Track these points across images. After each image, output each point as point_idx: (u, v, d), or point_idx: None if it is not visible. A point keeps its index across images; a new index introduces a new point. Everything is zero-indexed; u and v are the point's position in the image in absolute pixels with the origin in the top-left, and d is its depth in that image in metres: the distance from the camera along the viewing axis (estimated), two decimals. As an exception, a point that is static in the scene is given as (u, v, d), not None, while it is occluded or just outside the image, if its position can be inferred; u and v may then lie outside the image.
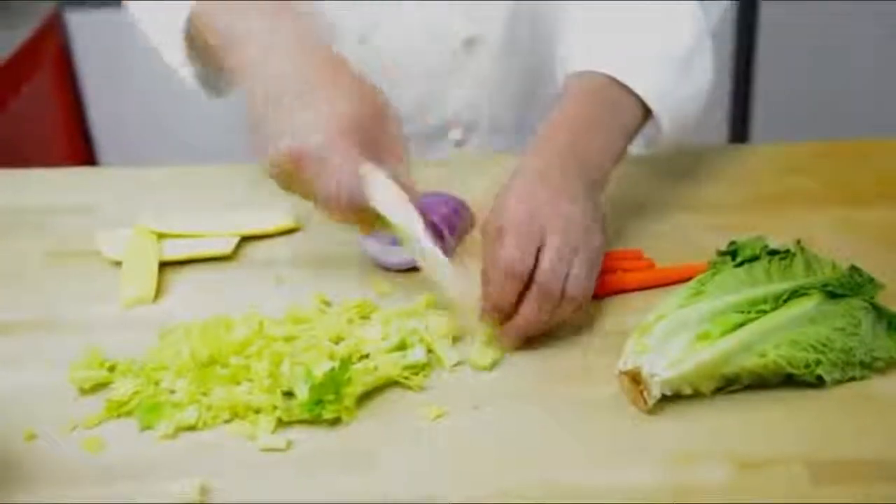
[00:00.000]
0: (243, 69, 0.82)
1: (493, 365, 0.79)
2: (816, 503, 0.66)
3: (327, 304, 0.86)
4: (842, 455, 0.69)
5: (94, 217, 1.02)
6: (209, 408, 0.74)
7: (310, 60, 0.81)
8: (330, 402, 0.73)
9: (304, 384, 0.73)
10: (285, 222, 0.98)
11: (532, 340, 0.80)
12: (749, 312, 0.75)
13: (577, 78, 0.90)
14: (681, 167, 1.07)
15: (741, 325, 0.74)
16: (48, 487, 0.69)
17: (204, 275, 0.93)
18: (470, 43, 1.11)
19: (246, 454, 0.71)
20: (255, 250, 0.96)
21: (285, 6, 0.84)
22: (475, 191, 0.97)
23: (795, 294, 0.77)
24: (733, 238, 0.84)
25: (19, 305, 0.89)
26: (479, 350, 0.80)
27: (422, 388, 0.77)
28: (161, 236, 0.96)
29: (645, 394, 0.72)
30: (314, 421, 0.73)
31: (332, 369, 0.73)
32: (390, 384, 0.77)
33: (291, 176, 0.78)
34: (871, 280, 0.80)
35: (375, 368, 0.77)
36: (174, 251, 0.94)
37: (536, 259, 0.78)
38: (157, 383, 0.77)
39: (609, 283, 0.87)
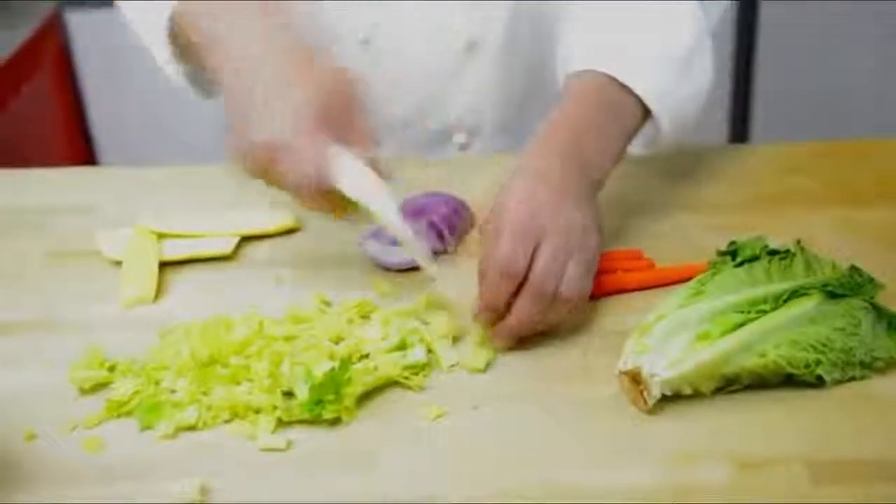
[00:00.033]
0: (223, 68, 0.83)
1: (487, 366, 0.79)
2: (816, 503, 0.66)
3: (327, 304, 0.86)
4: (842, 455, 0.69)
5: (95, 217, 1.02)
6: (209, 408, 0.74)
7: (283, 57, 0.81)
8: (330, 402, 0.73)
9: (304, 384, 0.73)
10: (285, 222, 0.98)
11: (525, 341, 0.80)
12: (749, 312, 0.75)
13: (577, 78, 0.90)
14: (681, 167, 1.07)
15: (741, 325, 0.74)
16: (48, 487, 0.69)
17: (204, 275, 0.93)
18: (471, 45, 1.11)
19: (246, 454, 0.71)
20: (255, 250, 0.96)
21: (265, 6, 0.85)
22: (475, 191, 0.97)
23: (795, 294, 0.77)
24: (733, 238, 0.84)
25: (19, 305, 0.89)
26: (472, 351, 0.79)
27: (422, 388, 0.77)
28: (161, 236, 0.96)
29: (645, 394, 0.72)
30: (314, 421, 0.73)
31: (332, 369, 0.73)
32: (390, 384, 0.77)
33: (264, 167, 0.79)
34: (871, 280, 0.80)
35: (375, 368, 0.77)
36: (174, 251, 0.94)
37: (532, 259, 0.78)
38: (157, 383, 0.77)
39: (609, 283, 0.87)
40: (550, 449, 0.71)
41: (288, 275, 0.92)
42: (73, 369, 0.78)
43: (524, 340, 0.80)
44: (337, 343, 0.80)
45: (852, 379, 0.75)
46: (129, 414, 0.75)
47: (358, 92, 0.82)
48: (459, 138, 1.18)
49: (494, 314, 0.79)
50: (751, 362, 0.73)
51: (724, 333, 0.73)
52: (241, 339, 0.79)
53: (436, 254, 0.93)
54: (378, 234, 0.93)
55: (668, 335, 0.74)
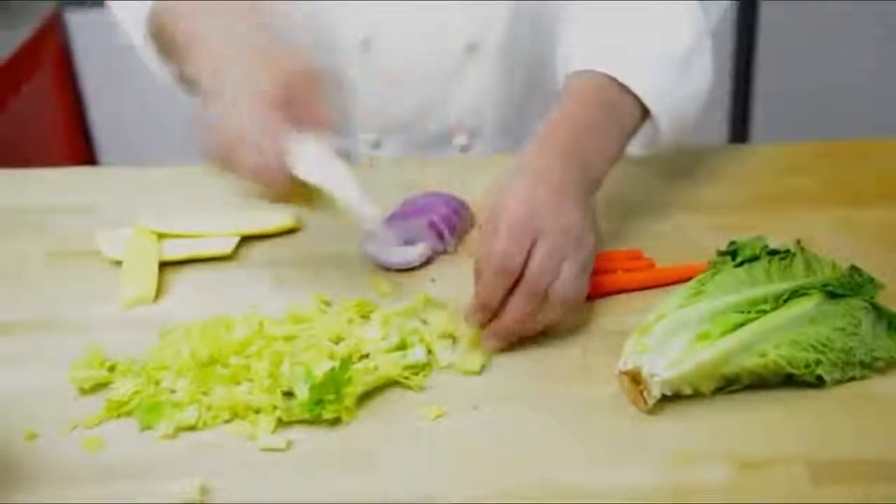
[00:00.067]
0: (200, 68, 0.83)
1: (482, 369, 0.79)
2: (816, 503, 0.66)
3: (327, 304, 0.86)
4: (842, 455, 0.69)
5: (95, 217, 1.02)
6: (209, 408, 0.74)
7: (253, 57, 0.81)
8: (330, 401, 0.73)
9: (304, 384, 0.73)
10: (285, 222, 0.98)
11: (519, 344, 0.80)
12: (749, 312, 0.75)
13: (576, 78, 0.90)
14: (681, 167, 1.07)
15: (741, 325, 0.74)
16: (48, 487, 0.69)
17: (204, 275, 0.93)
18: (472, 46, 1.11)
19: (246, 454, 0.71)
20: (255, 250, 0.96)
21: (244, 6, 0.85)
22: (475, 191, 0.97)
23: (795, 294, 0.77)
24: (733, 238, 0.84)
25: (19, 305, 0.89)
26: (465, 353, 0.79)
27: (422, 388, 0.77)
28: (161, 236, 0.96)
29: (645, 394, 0.72)
30: (314, 421, 0.73)
31: (333, 369, 0.73)
32: (390, 384, 0.77)
33: (229, 160, 0.79)
34: (871, 280, 0.80)
35: (375, 368, 0.77)
36: (174, 251, 0.94)
37: (528, 257, 0.78)
38: (157, 383, 0.77)
39: (609, 283, 0.87)
40: (550, 449, 0.71)
41: (288, 275, 0.92)
42: (74, 369, 0.78)
43: (517, 343, 0.80)
44: (337, 343, 0.80)
45: (852, 379, 0.75)
46: (129, 414, 0.75)
47: (320, 79, 0.82)
48: (460, 140, 1.18)
49: (488, 313, 0.79)
50: (751, 362, 0.73)
51: (724, 333, 0.73)
52: (241, 339, 0.79)
53: (436, 254, 0.93)
54: (378, 234, 0.93)
55: (668, 335, 0.74)
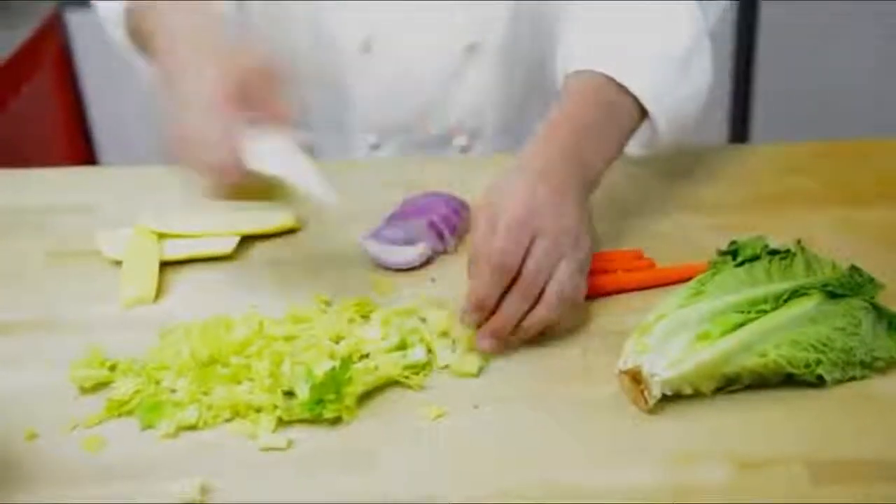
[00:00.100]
0: (161, 65, 0.83)
1: (480, 371, 0.78)
2: (816, 503, 0.66)
3: (327, 303, 0.86)
4: (842, 455, 0.69)
5: (95, 217, 1.02)
6: (210, 407, 0.74)
7: (208, 54, 0.81)
8: (330, 401, 0.73)
9: (304, 384, 0.73)
10: (285, 222, 0.98)
11: (513, 346, 0.80)
12: (749, 312, 0.75)
13: (575, 77, 0.90)
14: (681, 167, 1.07)
15: (741, 324, 0.74)
16: (48, 487, 0.69)
17: (204, 275, 0.93)
18: (472, 47, 1.11)
19: (246, 454, 0.71)
20: (255, 250, 0.96)
21: (201, 5, 0.86)
22: (475, 191, 0.97)
23: (796, 294, 0.77)
24: (733, 238, 0.84)
25: (20, 305, 0.89)
26: (462, 356, 0.79)
27: (422, 388, 0.77)
28: (161, 236, 0.96)
29: (645, 393, 0.72)
30: (315, 420, 0.73)
31: (333, 369, 0.73)
32: (390, 384, 0.77)
33: (184, 158, 0.78)
34: (872, 280, 0.80)
35: (376, 368, 0.77)
36: (174, 251, 0.94)
37: (526, 255, 0.78)
38: (157, 383, 0.77)
39: (609, 283, 0.87)
40: (550, 449, 0.71)
41: (288, 275, 0.92)
42: (74, 369, 0.78)
43: (511, 346, 0.80)
44: (337, 343, 0.80)
45: (852, 379, 0.75)
46: (129, 413, 0.75)
47: (275, 75, 0.81)
48: (460, 141, 1.18)
49: (484, 312, 0.78)
50: (751, 362, 0.73)
51: (725, 333, 0.73)
52: (242, 338, 0.79)
53: (436, 254, 0.93)
54: (378, 234, 0.93)
55: (668, 335, 0.74)
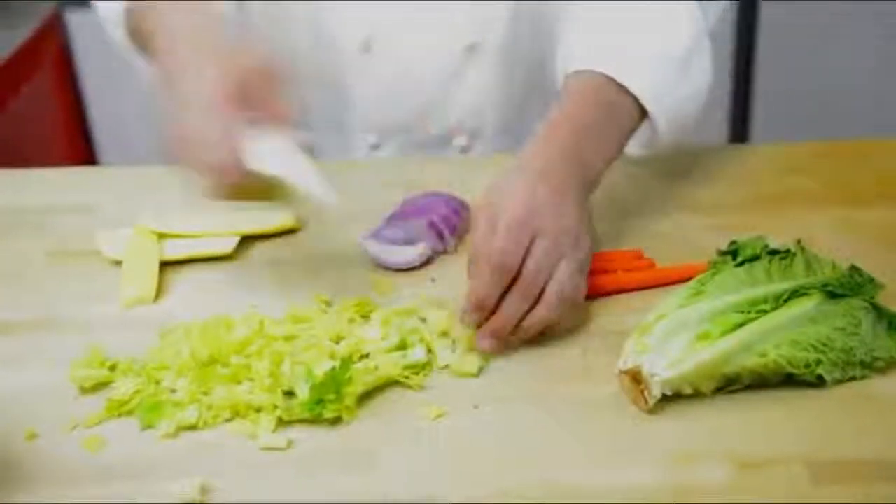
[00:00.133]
0: (161, 65, 0.83)
1: (480, 371, 0.78)
2: (816, 503, 0.66)
3: (327, 303, 0.86)
4: (842, 455, 0.69)
5: (95, 217, 1.02)
6: (210, 407, 0.74)
7: (207, 53, 0.81)
8: (330, 401, 0.73)
9: (304, 383, 0.73)
10: (285, 222, 0.98)
11: (514, 347, 0.80)
12: (749, 312, 0.75)
13: (575, 77, 0.90)
14: (681, 167, 1.07)
15: (741, 324, 0.74)
16: (48, 487, 0.69)
17: (204, 274, 0.93)
18: (472, 47, 1.11)
19: (246, 453, 0.71)
20: (256, 250, 0.96)
21: (199, 6, 0.86)
22: (475, 191, 0.97)
23: (796, 294, 0.77)
24: (733, 238, 0.84)
25: (20, 305, 0.89)
26: (462, 356, 0.79)
27: (422, 388, 0.77)
28: (161, 236, 0.96)
29: (645, 393, 0.72)
30: (315, 420, 0.73)
31: (333, 369, 0.73)
32: (390, 384, 0.77)
33: (184, 158, 0.78)
34: (872, 280, 0.80)
35: (376, 368, 0.77)
36: (174, 251, 0.94)
37: (526, 255, 0.78)
38: (157, 383, 0.77)
39: (609, 283, 0.87)
40: (550, 449, 0.71)
41: (288, 274, 0.92)
42: (74, 368, 0.78)
43: (511, 346, 0.80)
44: (337, 343, 0.80)
45: (853, 379, 0.75)
46: (129, 413, 0.75)
47: (274, 75, 0.81)
48: (460, 141, 1.18)
49: (484, 312, 0.78)
50: (751, 362, 0.73)
51: (725, 333, 0.73)
52: (242, 338, 0.79)
53: (436, 253, 0.93)
54: (378, 234, 0.93)
55: (668, 335, 0.74)
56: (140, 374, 0.78)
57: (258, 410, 0.74)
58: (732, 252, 0.83)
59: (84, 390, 0.78)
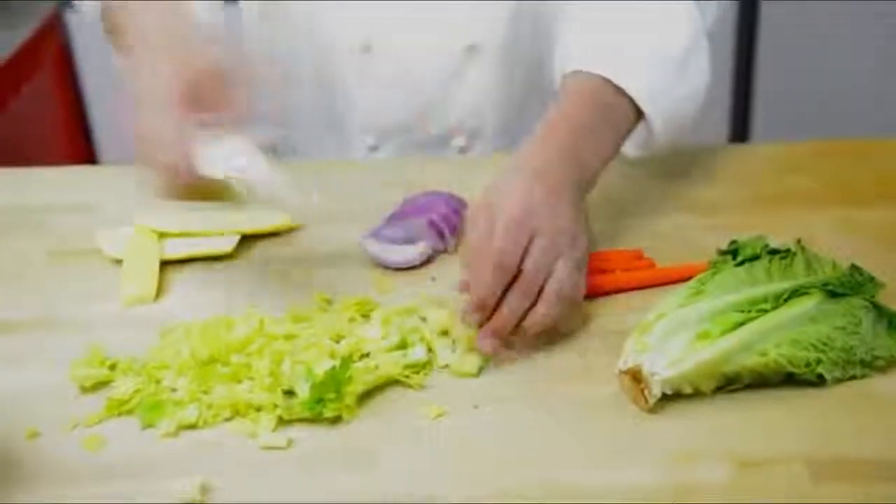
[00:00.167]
0: (129, 63, 0.84)
1: (480, 371, 0.78)
2: (817, 502, 0.66)
3: (328, 302, 0.86)
4: (842, 454, 0.69)
5: (95, 216, 1.02)
6: (210, 406, 0.74)
7: (157, 50, 0.81)
8: (331, 400, 0.73)
9: (304, 383, 0.73)
10: (286, 221, 0.98)
11: (512, 347, 0.80)
12: (749, 311, 0.75)
13: (573, 78, 0.90)
14: (681, 167, 1.07)
15: (741, 324, 0.74)
16: (48, 486, 0.69)
17: (204, 273, 0.93)
18: (472, 47, 1.11)
19: (247, 453, 0.71)
20: (256, 249, 0.96)
21: (157, 4, 0.86)
22: (475, 191, 0.97)
23: (796, 293, 0.77)
24: (733, 238, 0.84)
25: (20, 304, 0.89)
26: (462, 356, 0.79)
27: (422, 387, 0.77)
28: (162, 235, 0.96)
29: (645, 392, 0.72)
30: (315, 419, 0.73)
31: (333, 368, 0.73)
32: (391, 383, 0.77)
33: (142, 159, 0.78)
34: (872, 279, 0.80)
35: (376, 367, 0.77)
36: (175, 250, 0.94)
37: (524, 254, 0.78)
38: (158, 382, 0.77)
39: (609, 282, 0.87)
40: (550, 449, 0.71)
41: (288, 273, 0.92)
42: (74, 368, 0.78)
43: (511, 347, 0.80)
44: (337, 342, 0.80)
45: (853, 378, 0.75)
46: (129, 412, 0.75)
47: (228, 76, 0.81)
48: (460, 141, 1.17)
49: (485, 312, 0.78)
50: (751, 361, 0.73)
51: (725, 332, 0.73)
52: (242, 337, 0.79)
53: (436, 253, 0.93)
54: (378, 234, 0.93)
55: (668, 334, 0.74)
56: (140, 374, 0.78)
57: (258, 409, 0.74)
58: (732, 251, 0.83)
59: (84, 389, 0.78)
